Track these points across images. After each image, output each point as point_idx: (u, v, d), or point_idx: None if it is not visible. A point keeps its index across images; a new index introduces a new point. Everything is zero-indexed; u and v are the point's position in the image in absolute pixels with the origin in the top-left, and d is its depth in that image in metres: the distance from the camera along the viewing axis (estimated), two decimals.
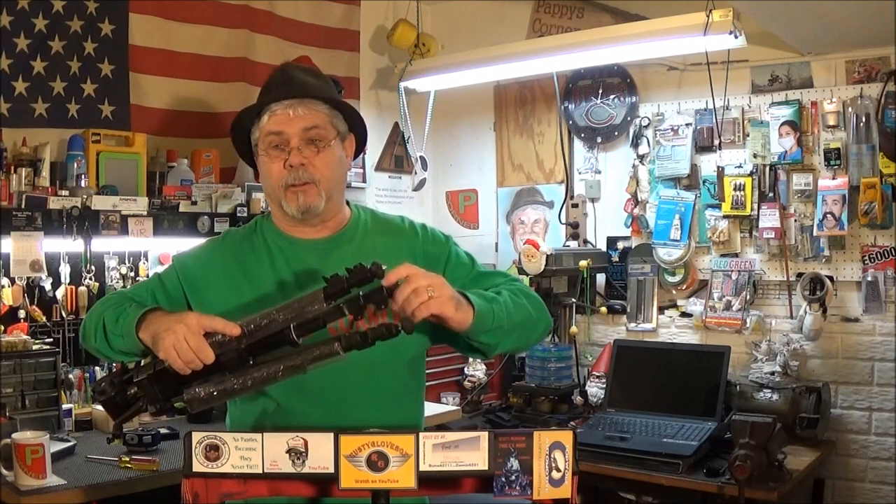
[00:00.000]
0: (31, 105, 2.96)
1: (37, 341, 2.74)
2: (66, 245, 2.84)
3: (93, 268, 2.94)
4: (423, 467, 1.27)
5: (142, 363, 1.54)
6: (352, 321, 1.42)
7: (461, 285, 1.60)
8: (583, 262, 3.39)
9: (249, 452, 1.30)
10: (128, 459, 2.35)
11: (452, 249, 1.76)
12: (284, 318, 1.43)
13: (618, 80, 3.60)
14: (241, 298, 1.64)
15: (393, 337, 1.39)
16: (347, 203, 1.78)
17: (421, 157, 3.97)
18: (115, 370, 1.57)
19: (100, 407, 2.81)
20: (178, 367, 1.44)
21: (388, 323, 1.40)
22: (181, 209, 3.09)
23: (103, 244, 2.95)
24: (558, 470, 1.28)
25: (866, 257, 3.01)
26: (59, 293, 2.88)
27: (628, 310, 3.49)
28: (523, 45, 3.53)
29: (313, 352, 1.41)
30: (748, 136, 3.22)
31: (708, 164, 3.34)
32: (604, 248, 3.62)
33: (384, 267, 1.41)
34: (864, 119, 2.97)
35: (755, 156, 3.19)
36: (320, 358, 1.41)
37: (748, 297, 3.20)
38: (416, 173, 4.00)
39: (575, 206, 3.71)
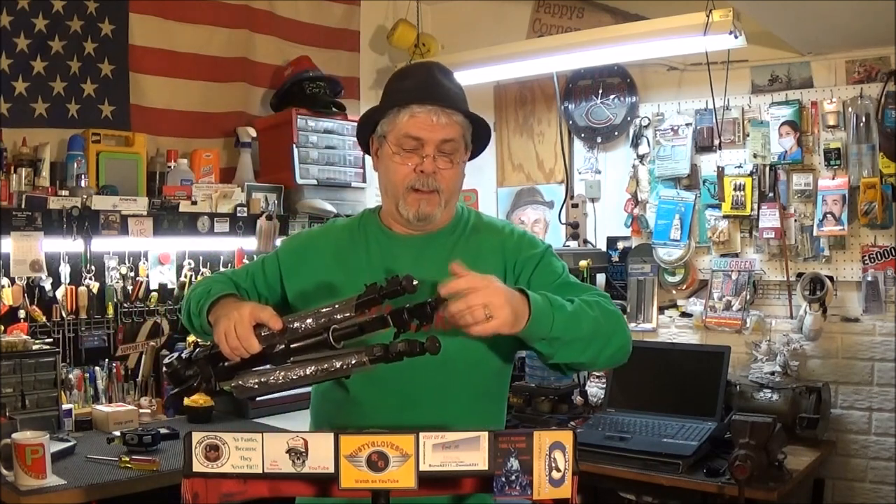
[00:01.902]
0: (31, 105, 2.96)
1: (37, 341, 2.74)
2: (66, 245, 2.85)
3: (93, 268, 2.95)
4: (423, 467, 1.27)
5: (207, 344, 1.62)
6: (396, 333, 1.42)
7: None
8: (583, 262, 3.39)
9: (249, 452, 1.30)
10: (128, 459, 2.36)
11: (546, 256, 1.70)
12: (323, 322, 1.45)
13: (618, 80, 3.60)
14: (332, 287, 1.67)
15: (417, 355, 1.37)
16: None
17: None
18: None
19: (100, 407, 2.83)
20: (226, 352, 1.50)
21: (412, 340, 1.38)
22: (181, 209, 3.09)
23: (103, 244, 2.96)
24: (558, 470, 1.28)
25: (866, 257, 3.01)
26: (59, 293, 2.89)
27: (628, 310, 3.48)
28: (523, 45, 3.53)
29: (345, 359, 1.43)
30: (748, 136, 3.22)
31: (708, 164, 3.34)
32: (604, 248, 3.61)
33: (415, 282, 1.38)
34: (864, 119, 2.97)
35: (755, 156, 3.19)
36: (351, 366, 1.42)
37: (748, 297, 3.19)
38: None
39: (575, 206, 3.71)
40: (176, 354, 1.62)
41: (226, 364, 1.53)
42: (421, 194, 1.62)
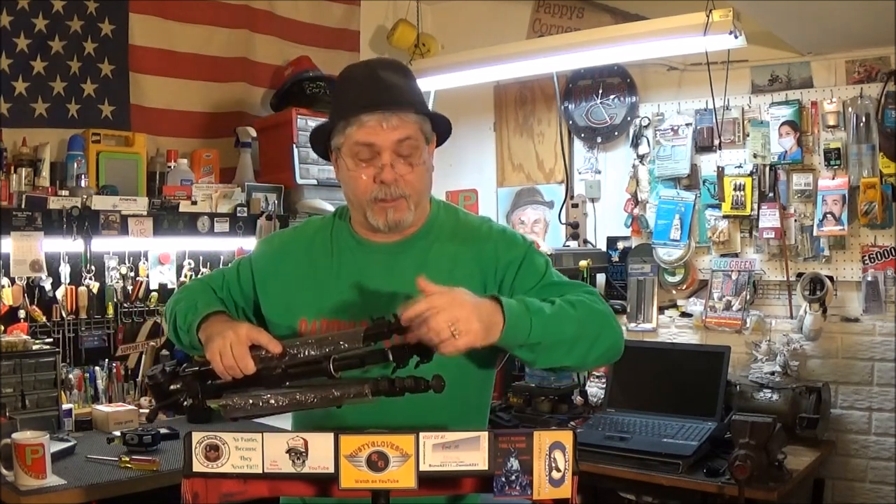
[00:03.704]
0: (31, 105, 2.96)
1: (37, 341, 2.74)
2: (66, 245, 2.85)
3: (93, 268, 2.95)
4: (423, 467, 1.27)
5: (193, 360, 1.61)
6: (396, 366, 1.41)
7: (525, 294, 1.52)
8: (583, 262, 3.39)
9: (249, 452, 1.30)
10: (128, 459, 2.36)
11: (528, 255, 1.62)
12: (326, 351, 1.44)
13: (618, 80, 3.60)
14: (303, 297, 1.64)
15: (420, 392, 1.37)
16: (431, 199, 1.70)
17: None
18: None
19: (100, 407, 2.83)
20: (219, 371, 1.47)
21: (418, 378, 1.38)
22: (181, 209, 3.09)
23: (103, 244, 2.96)
24: (558, 470, 1.28)
25: (866, 257, 3.00)
26: (59, 293, 2.89)
27: (628, 310, 3.49)
28: (523, 45, 3.53)
29: (345, 388, 1.42)
30: (748, 136, 3.22)
31: (708, 164, 3.34)
32: (604, 248, 3.61)
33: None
34: (864, 119, 2.97)
35: (755, 156, 3.19)
36: (351, 396, 1.42)
37: (748, 297, 3.19)
38: None
39: (575, 206, 3.71)
40: (160, 367, 1.58)
41: (215, 382, 1.51)
42: (387, 203, 1.55)
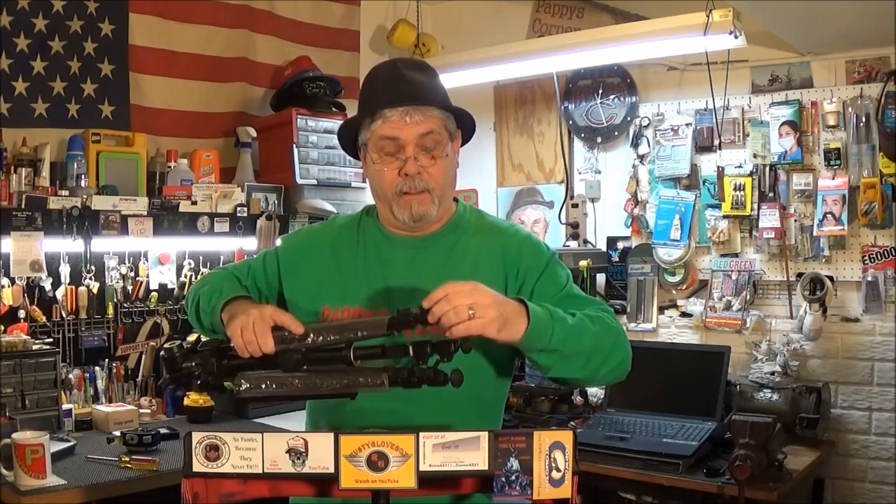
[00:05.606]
0: (31, 105, 2.96)
1: (37, 341, 2.74)
2: (66, 245, 2.85)
3: (93, 268, 2.95)
4: (423, 467, 1.27)
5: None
6: (416, 362, 1.41)
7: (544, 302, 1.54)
8: (583, 262, 3.39)
9: (249, 452, 1.30)
10: (128, 459, 2.36)
11: (550, 265, 1.65)
12: (347, 337, 1.44)
13: (618, 80, 3.60)
14: (327, 288, 1.66)
15: (439, 385, 1.38)
16: (456, 199, 1.73)
17: None
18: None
19: (100, 407, 2.83)
20: (238, 346, 1.47)
21: (438, 370, 1.38)
22: (181, 209, 3.09)
23: (103, 244, 2.96)
24: (558, 470, 1.28)
25: (866, 257, 3.01)
26: (59, 293, 2.89)
27: (628, 310, 3.49)
28: (523, 45, 3.53)
29: (363, 377, 1.42)
30: (748, 136, 3.22)
31: (708, 164, 3.34)
32: (604, 248, 3.61)
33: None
34: (864, 119, 2.97)
35: (755, 156, 3.19)
36: (368, 385, 1.42)
37: (748, 297, 3.19)
38: None
39: (575, 206, 3.71)
40: (178, 342, 1.59)
41: (232, 362, 1.51)
42: (411, 196, 1.59)
